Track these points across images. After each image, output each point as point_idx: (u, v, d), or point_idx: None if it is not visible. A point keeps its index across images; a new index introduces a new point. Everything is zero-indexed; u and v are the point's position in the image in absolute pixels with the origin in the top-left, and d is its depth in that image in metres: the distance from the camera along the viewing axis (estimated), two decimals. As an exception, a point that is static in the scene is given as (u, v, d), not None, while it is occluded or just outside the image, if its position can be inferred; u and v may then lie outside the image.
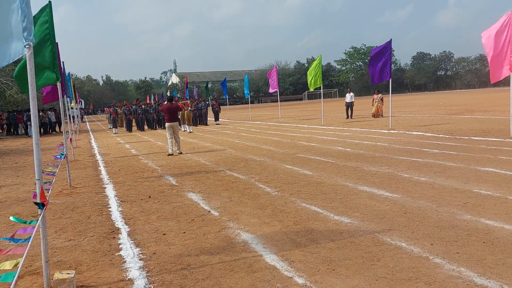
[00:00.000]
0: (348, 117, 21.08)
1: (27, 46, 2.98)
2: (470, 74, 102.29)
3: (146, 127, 23.64)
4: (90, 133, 24.40)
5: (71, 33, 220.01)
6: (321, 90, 19.99)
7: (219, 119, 25.69)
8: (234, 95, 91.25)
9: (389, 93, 15.42)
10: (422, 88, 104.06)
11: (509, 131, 10.66)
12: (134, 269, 3.58)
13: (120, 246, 4.20)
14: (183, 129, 20.47)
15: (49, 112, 26.14)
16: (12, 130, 26.81)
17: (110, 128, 26.52)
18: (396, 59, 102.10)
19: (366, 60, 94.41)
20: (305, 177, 7.06)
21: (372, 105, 21.18)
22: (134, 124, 23.74)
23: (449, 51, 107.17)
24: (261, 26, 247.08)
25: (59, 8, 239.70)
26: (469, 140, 10.38)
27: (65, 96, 12.49)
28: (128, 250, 4.05)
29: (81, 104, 41.24)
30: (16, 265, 2.62)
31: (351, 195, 5.63)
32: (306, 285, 3.08)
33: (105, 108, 53.46)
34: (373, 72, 14.87)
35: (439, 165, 7.36)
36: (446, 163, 7.46)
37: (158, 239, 4.34)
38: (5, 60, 3.13)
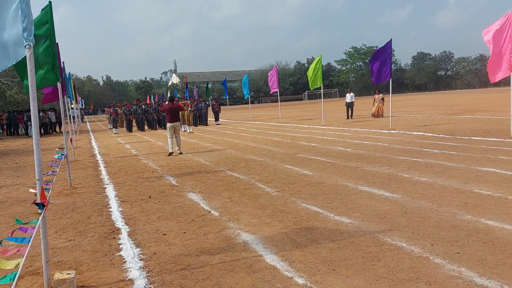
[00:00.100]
0: (348, 117, 21.08)
1: (27, 47, 2.98)
2: (470, 74, 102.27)
3: (146, 127, 23.65)
4: (91, 133, 24.40)
5: (71, 33, 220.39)
6: (321, 90, 19.99)
7: (219, 119, 25.69)
8: (234, 95, 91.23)
9: (389, 93, 15.43)
10: (422, 88, 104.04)
11: (509, 131, 10.66)
12: (134, 269, 3.58)
13: (121, 246, 4.20)
14: (183, 129, 20.47)
15: (49, 113, 26.15)
16: (12, 130, 26.82)
17: (110, 128, 26.53)
18: (396, 59, 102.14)
19: (367, 60, 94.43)
20: (306, 177, 7.06)
21: (373, 105, 21.18)
22: (134, 124, 23.75)
23: (449, 51, 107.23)
24: (261, 26, 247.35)
25: (59, 8, 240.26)
26: (470, 140, 10.38)
27: (65, 97, 12.49)
28: (129, 250, 4.05)
29: (81, 104, 41.23)
30: (16, 265, 2.62)
31: (352, 195, 5.63)
32: (306, 285, 3.08)
33: (105, 108, 53.51)
34: (374, 73, 14.89)
35: (440, 165, 7.36)
36: (446, 163, 7.46)
37: (159, 239, 4.34)
38: (8, 62, 3.13)
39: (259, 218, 4.85)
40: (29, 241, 2.83)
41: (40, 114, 23.29)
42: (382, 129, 14.68)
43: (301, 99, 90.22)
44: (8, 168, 10.98)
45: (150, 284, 3.28)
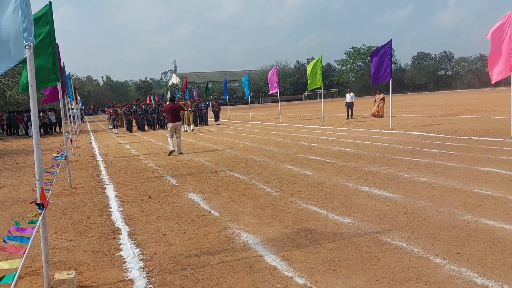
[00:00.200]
0: (348, 118, 21.07)
1: (27, 47, 2.98)
2: (471, 74, 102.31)
3: (146, 127, 23.66)
4: (91, 133, 24.41)
5: (71, 33, 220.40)
6: (321, 90, 19.99)
7: (219, 119, 25.69)
8: (234, 95, 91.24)
9: (389, 93, 15.43)
10: (422, 88, 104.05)
11: (509, 131, 10.65)
12: (134, 269, 3.58)
13: (121, 246, 4.20)
14: (183, 130, 20.48)
15: (49, 113, 26.15)
16: (12, 130, 26.82)
17: (110, 128, 26.53)
18: (396, 59, 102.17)
19: (367, 60, 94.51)
20: (306, 177, 7.06)
21: (374, 105, 21.18)
22: (134, 124, 23.75)
23: (449, 51, 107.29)
24: (261, 26, 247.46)
25: (59, 8, 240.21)
26: (470, 140, 10.38)
27: (65, 97, 12.50)
28: (129, 251, 4.05)
29: (81, 104, 41.25)
30: (16, 265, 2.62)
31: (352, 195, 5.63)
32: (306, 285, 3.08)
33: (105, 109, 53.52)
34: (374, 72, 14.90)
35: (440, 165, 7.36)
36: (446, 163, 7.46)
37: (159, 239, 4.34)
38: (9, 63, 3.14)
39: (259, 218, 4.85)
40: (29, 241, 2.83)
41: (40, 114, 23.29)
42: (382, 129, 14.68)
43: (301, 99, 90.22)
44: (8, 168, 10.98)
45: (150, 284, 3.28)
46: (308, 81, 19.28)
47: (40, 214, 3.04)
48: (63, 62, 12.54)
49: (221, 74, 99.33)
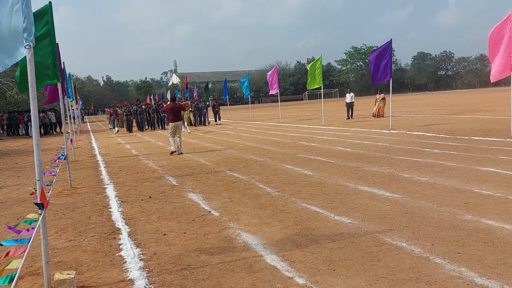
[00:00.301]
0: (348, 118, 21.07)
1: (27, 47, 2.98)
2: (471, 74, 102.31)
3: (146, 127, 23.65)
4: (91, 133, 24.41)
5: (71, 33, 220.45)
6: (322, 90, 19.98)
7: (221, 119, 25.69)
8: (235, 95, 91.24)
9: (389, 93, 15.43)
10: (422, 88, 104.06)
11: (509, 131, 10.65)
12: (134, 269, 3.58)
13: (121, 246, 4.20)
14: (183, 129, 20.47)
15: (50, 113, 26.15)
16: (12, 130, 26.82)
17: (110, 128, 26.54)
18: (396, 59, 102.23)
19: (367, 60, 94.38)
20: (306, 177, 7.06)
21: (375, 105, 21.17)
22: (134, 124, 23.76)
23: (449, 51, 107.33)
24: (261, 26, 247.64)
25: (59, 9, 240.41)
26: (470, 140, 10.38)
27: (65, 97, 12.50)
28: (129, 251, 4.05)
29: (81, 105, 41.28)
30: (16, 265, 2.62)
31: (352, 195, 5.62)
32: (306, 285, 3.08)
33: (105, 109, 53.52)
34: (374, 72, 14.89)
35: (440, 165, 7.36)
36: (446, 163, 7.45)
37: (159, 239, 4.34)
38: (10, 62, 3.14)
39: (259, 218, 4.85)
40: (29, 242, 2.83)
41: (40, 114, 23.30)
42: (383, 129, 14.68)
43: (301, 99, 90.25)
44: (8, 168, 10.98)
45: (150, 284, 3.28)
46: (308, 81, 19.28)
47: (40, 214, 3.04)
48: (63, 62, 12.55)
49: (221, 74, 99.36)
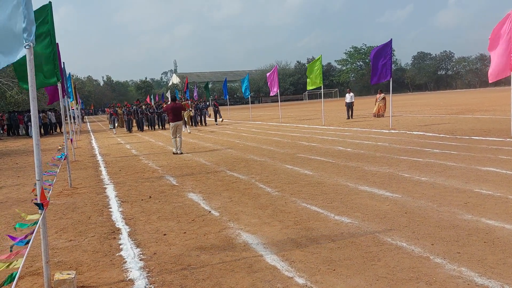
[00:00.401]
0: (348, 118, 21.07)
1: (27, 47, 2.98)
2: (471, 74, 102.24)
3: (146, 127, 23.66)
4: (91, 133, 24.41)
5: (71, 33, 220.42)
6: (322, 90, 19.98)
7: (220, 117, 25.70)
8: (235, 95, 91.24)
9: (389, 93, 15.43)
10: (422, 88, 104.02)
11: (509, 130, 10.65)
12: (134, 269, 3.58)
13: (121, 246, 4.20)
14: (183, 129, 20.47)
15: (50, 113, 26.15)
16: (13, 130, 26.83)
17: (110, 128, 26.55)
18: (396, 59, 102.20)
19: (367, 60, 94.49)
20: (306, 177, 7.05)
21: (375, 105, 21.17)
22: (134, 124, 23.76)
23: (449, 51, 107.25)
24: (261, 26, 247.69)
25: (59, 8, 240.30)
26: (470, 139, 10.37)
27: (65, 97, 12.49)
28: (129, 251, 4.05)
29: (81, 105, 41.29)
30: (16, 265, 2.62)
31: (352, 195, 5.62)
32: (306, 285, 3.08)
33: (105, 109, 53.52)
34: (374, 72, 14.89)
35: (440, 165, 7.36)
36: (446, 163, 7.45)
37: (159, 239, 4.34)
38: (8, 61, 3.13)
39: (259, 218, 4.85)
40: (29, 242, 2.83)
41: (40, 114, 23.29)
42: (383, 129, 14.68)
43: (301, 99, 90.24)
44: (8, 168, 10.98)
45: (150, 284, 3.28)
46: (308, 81, 19.28)
47: (40, 214, 3.04)
48: (63, 62, 12.55)
49: (221, 74, 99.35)
